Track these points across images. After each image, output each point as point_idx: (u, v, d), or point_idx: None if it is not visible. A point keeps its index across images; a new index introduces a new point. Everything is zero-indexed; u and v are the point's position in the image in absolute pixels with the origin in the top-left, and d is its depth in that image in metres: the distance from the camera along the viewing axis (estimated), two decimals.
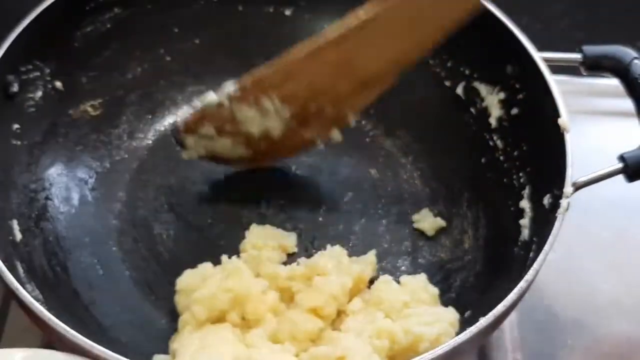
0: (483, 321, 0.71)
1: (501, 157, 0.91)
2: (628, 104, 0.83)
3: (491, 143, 0.92)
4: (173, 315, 0.83)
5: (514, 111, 0.91)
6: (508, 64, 0.90)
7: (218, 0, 1.00)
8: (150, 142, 0.98)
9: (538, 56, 0.86)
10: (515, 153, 0.90)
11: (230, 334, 0.76)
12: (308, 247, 0.90)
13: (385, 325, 0.77)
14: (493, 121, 0.93)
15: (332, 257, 0.83)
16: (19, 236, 0.81)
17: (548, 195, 0.81)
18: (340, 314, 0.81)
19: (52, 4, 0.87)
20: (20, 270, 0.78)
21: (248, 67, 1.01)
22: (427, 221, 0.92)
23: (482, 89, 0.94)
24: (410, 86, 0.99)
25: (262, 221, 0.91)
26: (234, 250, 0.86)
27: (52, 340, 0.73)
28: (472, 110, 0.95)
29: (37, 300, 0.72)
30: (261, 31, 1.02)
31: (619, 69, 0.85)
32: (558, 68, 0.88)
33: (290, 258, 0.88)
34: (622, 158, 0.80)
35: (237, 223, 0.91)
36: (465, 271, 0.88)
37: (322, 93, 0.86)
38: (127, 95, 0.98)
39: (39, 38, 0.87)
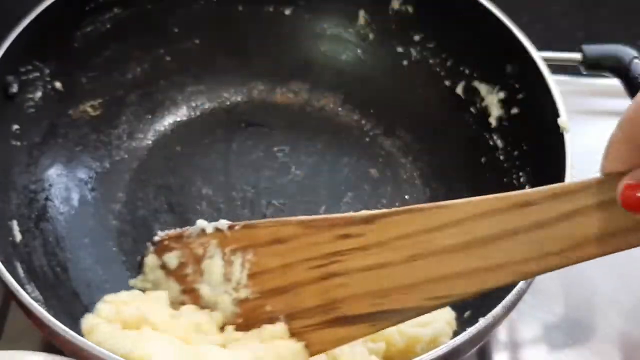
0: (482, 321, 0.71)
1: (501, 157, 0.91)
2: (628, 104, 0.82)
3: (491, 143, 0.92)
4: None
5: (514, 111, 0.91)
6: (508, 64, 0.90)
7: (218, 1, 1.00)
8: (150, 142, 0.98)
9: (538, 56, 0.86)
10: (515, 153, 0.90)
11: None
12: None
13: None
14: (493, 121, 0.93)
15: None
16: (18, 237, 0.81)
17: None
18: None
19: (52, 4, 0.87)
20: (20, 270, 0.77)
21: (248, 67, 1.02)
22: None
23: (482, 88, 0.94)
24: (410, 86, 1.00)
25: None
26: None
27: (52, 340, 0.73)
28: (472, 109, 0.95)
29: (37, 301, 0.72)
30: (261, 31, 1.02)
31: (619, 69, 0.86)
32: (558, 68, 0.88)
33: None
34: None
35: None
36: None
37: (289, 301, 0.71)
38: (127, 95, 0.98)
39: (38, 38, 0.87)
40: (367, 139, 1.00)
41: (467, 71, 0.95)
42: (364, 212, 0.67)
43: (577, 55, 0.88)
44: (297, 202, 0.93)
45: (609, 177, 0.55)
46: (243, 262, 0.74)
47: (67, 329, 0.68)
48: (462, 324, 0.79)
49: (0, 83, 0.84)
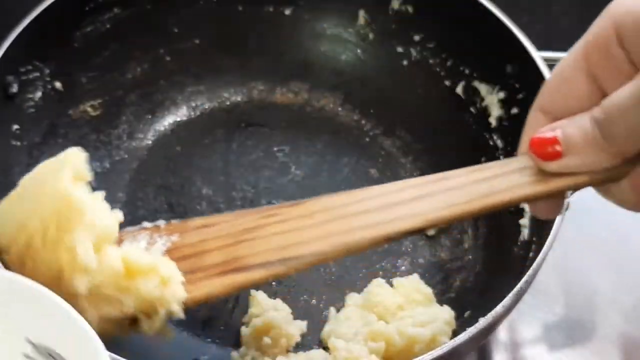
0: (482, 321, 0.71)
1: (501, 157, 0.91)
2: None
3: (491, 142, 0.92)
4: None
5: (514, 111, 0.91)
6: (508, 64, 0.90)
7: (218, 1, 1.00)
8: (150, 142, 0.98)
9: (538, 56, 0.86)
10: (515, 153, 0.89)
11: None
12: None
13: (380, 328, 0.78)
14: (493, 121, 0.93)
15: None
16: None
17: None
18: None
19: (52, 4, 0.87)
20: None
21: (248, 67, 1.02)
22: None
23: (482, 88, 0.94)
24: (410, 86, 1.00)
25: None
26: None
27: None
28: (472, 109, 0.95)
29: None
30: (261, 31, 1.02)
31: None
32: None
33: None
34: None
35: None
36: (465, 271, 0.88)
37: (195, 257, 0.72)
38: (127, 95, 0.98)
39: (38, 38, 0.87)
40: (367, 139, 1.00)
41: (467, 71, 0.95)
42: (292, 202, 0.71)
43: None
44: None
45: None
46: (165, 242, 0.72)
47: None
48: (462, 324, 0.79)
49: (0, 83, 0.85)
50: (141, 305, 0.67)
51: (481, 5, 0.91)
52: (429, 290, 0.84)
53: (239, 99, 1.02)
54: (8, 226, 0.67)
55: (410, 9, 0.98)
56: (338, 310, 0.84)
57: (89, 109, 0.95)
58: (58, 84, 0.91)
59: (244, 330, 0.81)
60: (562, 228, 0.76)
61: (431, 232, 0.92)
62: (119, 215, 0.70)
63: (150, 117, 0.99)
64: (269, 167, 0.96)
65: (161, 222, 0.74)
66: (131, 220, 0.90)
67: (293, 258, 0.67)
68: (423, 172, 0.96)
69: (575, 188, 0.64)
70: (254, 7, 1.01)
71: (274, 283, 0.86)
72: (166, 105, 1.00)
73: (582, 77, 0.61)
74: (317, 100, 1.02)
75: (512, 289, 0.73)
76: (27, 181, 0.68)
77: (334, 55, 1.03)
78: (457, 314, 0.81)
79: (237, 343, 0.82)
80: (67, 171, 0.66)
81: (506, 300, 0.72)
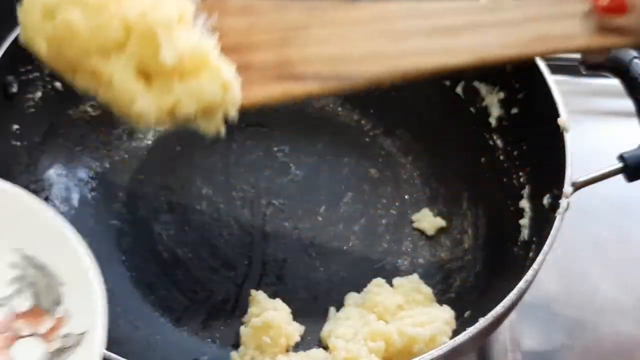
0: (482, 321, 0.71)
1: (501, 157, 0.91)
2: (628, 104, 0.83)
3: (491, 142, 0.92)
4: (172, 315, 0.84)
5: (514, 111, 0.91)
6: (508, 64, 0.90)
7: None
8: (150, 142, 0.98)
9: None
10: (515, 153, 0.90)
11: None
12: (308, 247, 0.90)
13: (379, 327, 0.78)
14: (493, 121, 0.93)
15: None
16: None
17: (548, 195, 0.81)
18: None
19: None
20: None
21: None
22: (427, 221, 0.92)
23: (482, 88, 0.94)
24: (410, 85, 0.99)
25: (261, 221, 0.91)
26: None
27: None
28: (472, 109, 0.95)
29: None
30: None
31: (619, 69, 0.85)
32: (558, 68, 0.88)
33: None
34: (621, 158, 0.80)
35: (237, 223, 0.91)
36: (465, 271, 0.88)
37: (246, 49, 0.70)
38: None
39: None
40: (367, 139, 1.00)
41: (467, 71, 0.95)
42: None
43: (576, 55, 0.87)
44: (297, 201, 0.93)
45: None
46: (204, 24, 0.70)
47: None
48: (463, 324, 0.79)
49: (1, 83, 0.85)
50: (201, 107, 0.69)
51: None
52: (428, 290, 0.84)
53: None
54: None
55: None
56: (338, 310, 0.84)
57: (89, 109, 0.94)
58: (58, 84, 0.90)
59: (243, 329, 0.81)
60: (562, 228, 0.76)
61: (431, 232, 0.92)
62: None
63: None
64: (269, 167, 0.96)
65: None
66: (131, 219, 0.91)
67: (347, 76, 0.66)
68: (423, 172, 0.97)
69: (631, 46, 0.66)
70: None
71: (274, 282, 0.87)
72: None
73: None
74: (317, 100, 1.02)
75: (512, 289, 0.73)
76: None
77: None
78: (457, 314, 0.81)
79: (236, 343, 0.82)
80: None
81: (506, 300, 0.72)
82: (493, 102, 0.92)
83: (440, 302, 0.84)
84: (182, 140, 0.98)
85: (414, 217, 0.93)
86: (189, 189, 0.94)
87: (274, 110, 1.01)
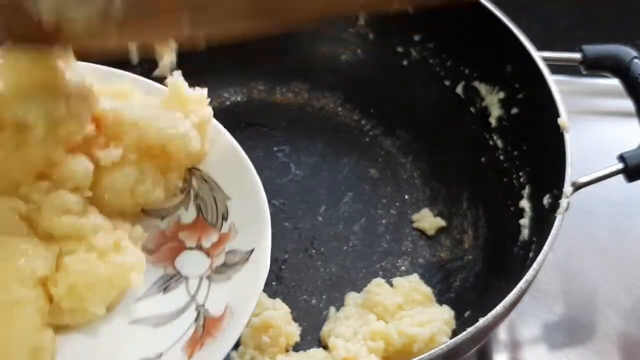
0: (483, 321, 0.71)
1: (501, 157, 0.91)
2: (628, 104, 0.83)
3: (491, 142, 0.92)
4: None
5: (514, 111, 0.91)
6: (508, 64, 0.90)
7: None
8: None
9: (538, 56, 0.86)
10: (515, 153, 0.90)
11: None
12: (308, 247, 0.90)
13: (379, 327, 0.78)
14: (493, 121, 0.93)
15: None
16: None
17: (548, 195, 0.81)
18: None
19: None
20: None
21: (248, 67, 1.02)
22: (427, 221, 0.92)
23: (482, 88, 0.94)
24: (410, 86, 1.00)
25: None
26: None
27: None
28: (472, 109, 0.95)
29: None
30: None
31: (619, 69, 0.85)
32: (558, 68, 0.88)
33: None
34: (621, 158, 0.80)
35: None
36: (465, 271, 0.88)
37: None
38: None
39: None
40: (367, 139, 1.00)
41: (467, 71, 0.95)
42: None
43: (577, 55, 0.87)
44: (297, 201, 0.93)
45: None
46: None
47: None
48: (462, 324, 0.79)
49: None
50: None
51: (481, 5, 0.91)
52: (428, 290, 0.84)
53: (239, 99, 1.02)
54: None
55: (410, 8, 0.98)
56: (338, 310, 0.84)
57: None
58: None
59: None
60: (562, 228, 0.76)
61: (431, 232, 0.92)
62: None
63: None
64: (269, 166, 0.96)
65: None
66: None
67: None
68: (423, 172, 0.97)
69: None
70: None
71: (273, 283, 0.86)
72: None
73: None
74: (317, 100, 1.02)
75: (512, 289, 0.73)
76: None
77: (334, 55, 1.03)
78: (457, 313, 0.81)
79: (236, 343, 0.81)
80: None
81: (506, 300, 0.72)
82: (493, 102, 0.92)
83: (440, 302, 0.84)
84: None
85: (414, 217, 0.93)
86: None
87: (274, 110, 1.02)
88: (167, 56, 0.70)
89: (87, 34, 0.58)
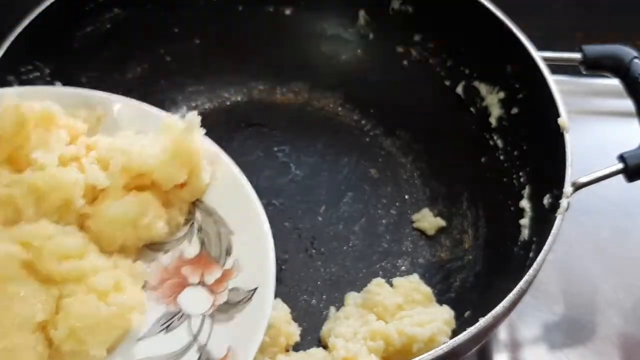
0: (483, 321, 0.71)
1: (501, 157, 0.91)
2: (628, 104, 0.83)
3: (491, 142, 0.92)
4: None
5: (514, 111, 0.91)
6: (508, 64, 0.90)
7: (218, 1, 1.00)
8: None
9: (538, 56, 0.86)
10: (515, 153, 0.90)
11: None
12: (308, 247, 0.90)
13: (379, 327, 0.78)
14: (493, 121, 0.93)
15: None
16: None
17: (548, 195, 0.81)
18: None
19: (52, 4, 0.87)
20: None
21: (248, 67, 1.02)
22: (427, 221, 0.92)
23: (482, 88, 0.94)
24: (410, 86, 1.00)
25: None
26: None
27: None
28: (472, 109, 0.95)
29: None
30: (261, 31, 1.02)
31: (619, 69, 0.85)
32: (558, 68, 0.88)
33: None
34: (621, 158, 0.80)
35: None
36: (465, 271, 0.88)
37: None
38: (128, 95, 0.97)
39: (38, 38, 0.87)
40: (367, 139, 1.00)
41: (467, 71, 0.95)
42: None
43: (577, 55, 0.87)
44: (297, 201, 0.93)
45: None
46: None
47: None
48: (462, 324, 0.79)
49: (1, 82, 0.84)
50: None
51: (481, 5, 0.91)
52: (428, 290, 0.84)
53: (239, 99, 1.02)
54: None
55: (410, 9, 0.98)
56: (338, 310, 0.84)
57: None
58: (58, 84, 0.91)
59: None
60: (563, 228, 0.76)
61: (431, 232, 0.92)
62: None
63: None
64: (269, 166, 0.96)
65: None
66: None
67: None
68: (423, 172, 0.97)
69: None
70: (254, 7, 1.01)
71: None
72: (166, 105, 1.00)
73: None
74: (317, 101, 1.02)
75: (512, 289, 0.73)
76: None
77: (335, 55, 1.03)
78: (457, 314, 0.81)
79: None
80: None
81: (506, 300, 0.72)
82: (493, 102, 0.92)
83: (440, 302, 0.84)
84: None
85: (414, 217, 0.93)
86: None
87: (274, 110, 1.02)
88: None
89: None
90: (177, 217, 0.71)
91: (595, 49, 0.88)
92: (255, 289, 0.64)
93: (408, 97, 0.99)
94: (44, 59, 0.89)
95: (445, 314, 0.80)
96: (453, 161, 0.96)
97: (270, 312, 0.64)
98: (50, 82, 0.90)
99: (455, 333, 0.78)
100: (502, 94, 0.92)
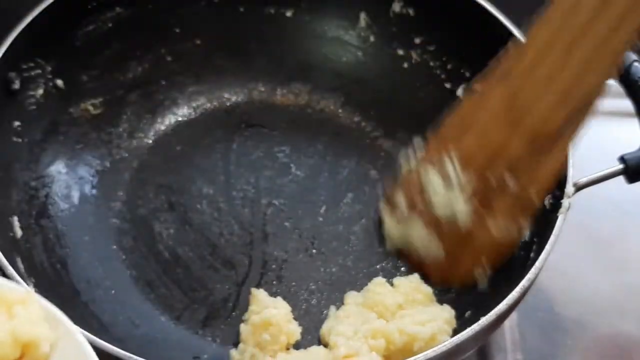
0: (484, 321, 0.71)
1: None
2: (628, 104, 0.83)
3: None
4: (172, 313, 0.83)
5: None
6: None
7: (219, 1, 1.00)
8: (150, 141, 0.97)
9: None
10: None
11: None
12: (308, 247, 0.90)
13: (379, 326, 0.78)
14: None
15: None
16: (19, 233, 0.81)
17: (549, 196, 0.81)
18: None
19: (54, 2, 0.87)
20: (21, 266, 0.78)
21: (249, 68, 1.02)
22: None
23: None
24: (411, 88, 1.00)
25: (262, 220, 0.91)
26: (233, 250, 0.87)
27: None
28: None
29: None
30: (262, 32, 1.02)
31: (619, 71, 0.86)
32: None
33: None
34: (622, 159, 0.81)
35: (237, 222, 0.91)
36: None
37: (496, 154, 0.80)
38: (128, 94, 0.98)
39: (40, 36, 0.87)
40: (368, 141, 1.00)
41: (467, 74, 0.96)
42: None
43: None
44: (297, 202, 0.93)
45: None
46: (449, 158, 0.82)
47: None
48: (463, 324, 0.79)
49: (3, 79, 0.85)
50: None
51: (482, 7, 0.92)
52: (429, 290, 0.84)
53: (239, 99, 1.02)
54: None
55: (411, 11, 0.98)
56: (338, 309, 0.84)
57: (90, 108, 0.94)
58: (59, 82, 0.91)
59: (243, 327, 0.80)
60: (563, 228, 0.77)
61: None
62: None
63: (151, 116, 0.99)
64: (270, 167, 0.96)
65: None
66: (131, 218, 0.91)
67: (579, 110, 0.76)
68: None
69: None
70: (255, 8, 1.01)
71: (274, 282, 0.87)
72: (167, 105, 1.00)
73: None
74: (317, 102, 1.03)
75: (513, 288, 0.73)
76: None
77: (335, 57, 1.03)
78: (458, 313, 0.81)
79: (237, 342, 0.81)
80: None
81: (507, 300, 0.72)
82: None
83: (441, 301, 0.84)
84: (182, 140, 0.98)
85: None
86: (189, 188, 0.94)
87: (274, 111, 1.02)
88: None
89: None
90: None
91: None
92: None
93: (409, 99, 0.99)
94: (46, 56, 0.89)
95: (446, 313, 0.80)
96: None
97: None
98: (52, 80, 0.90)
99: (456, 332, 0.78)
100: None
